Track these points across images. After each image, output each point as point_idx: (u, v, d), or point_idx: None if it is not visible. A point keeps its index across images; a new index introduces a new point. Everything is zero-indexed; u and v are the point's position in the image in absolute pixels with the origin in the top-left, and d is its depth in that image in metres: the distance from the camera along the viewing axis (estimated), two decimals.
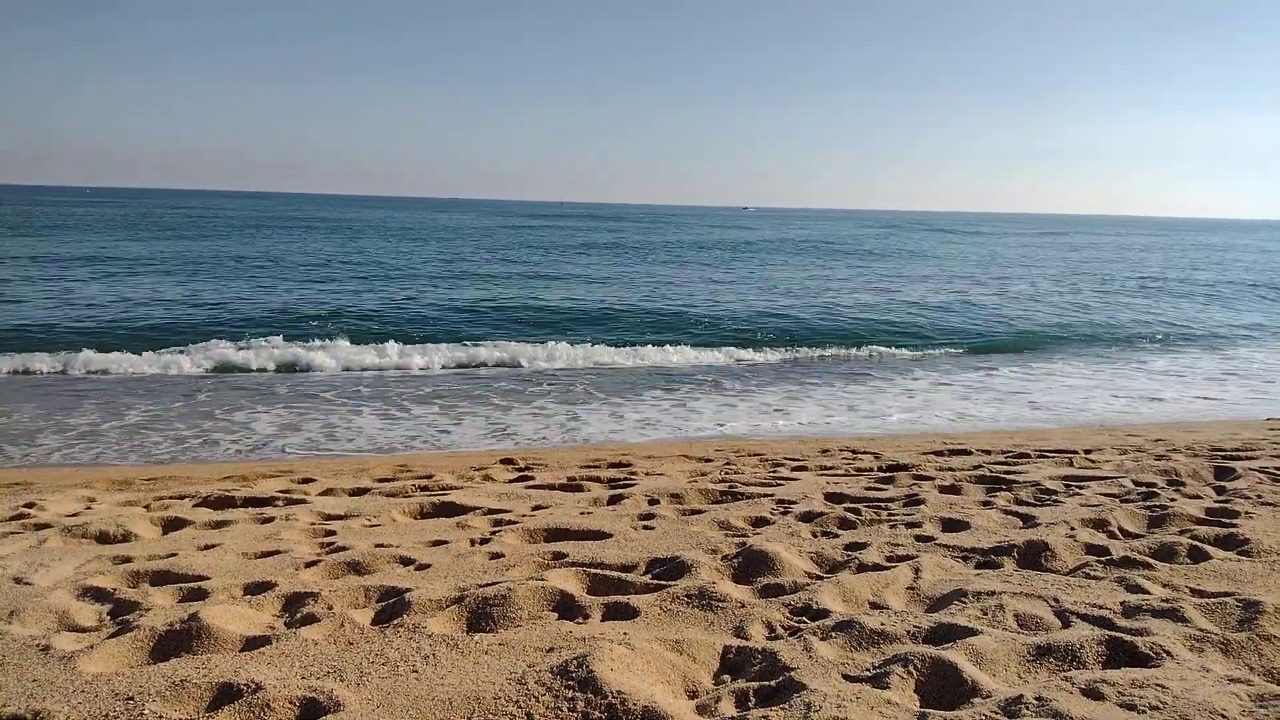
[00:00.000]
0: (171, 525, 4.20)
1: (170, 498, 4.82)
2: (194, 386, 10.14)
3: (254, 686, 2.29)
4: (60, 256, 25.45)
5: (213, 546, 3.76)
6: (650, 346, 13.54)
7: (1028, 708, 2.11)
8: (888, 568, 3.30)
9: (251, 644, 2.64)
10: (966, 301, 21.55)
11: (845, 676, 2.35)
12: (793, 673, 2.34)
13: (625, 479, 5.24)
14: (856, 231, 68.25)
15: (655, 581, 3.19)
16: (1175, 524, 3.95)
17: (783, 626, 2.75)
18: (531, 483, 5.18)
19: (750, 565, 3.33)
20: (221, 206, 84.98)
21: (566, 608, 2.94)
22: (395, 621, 2.78)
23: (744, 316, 17.56)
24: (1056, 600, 2.89)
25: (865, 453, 6.22)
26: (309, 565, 3.44)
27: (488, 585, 3.06)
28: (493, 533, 3.96)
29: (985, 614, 2.77)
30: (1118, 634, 2.55)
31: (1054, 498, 4.51)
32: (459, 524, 4.17)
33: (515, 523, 4.12)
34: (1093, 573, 3.23)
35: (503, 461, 6.01)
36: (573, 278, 25.17)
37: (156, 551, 3.69)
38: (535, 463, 6.00)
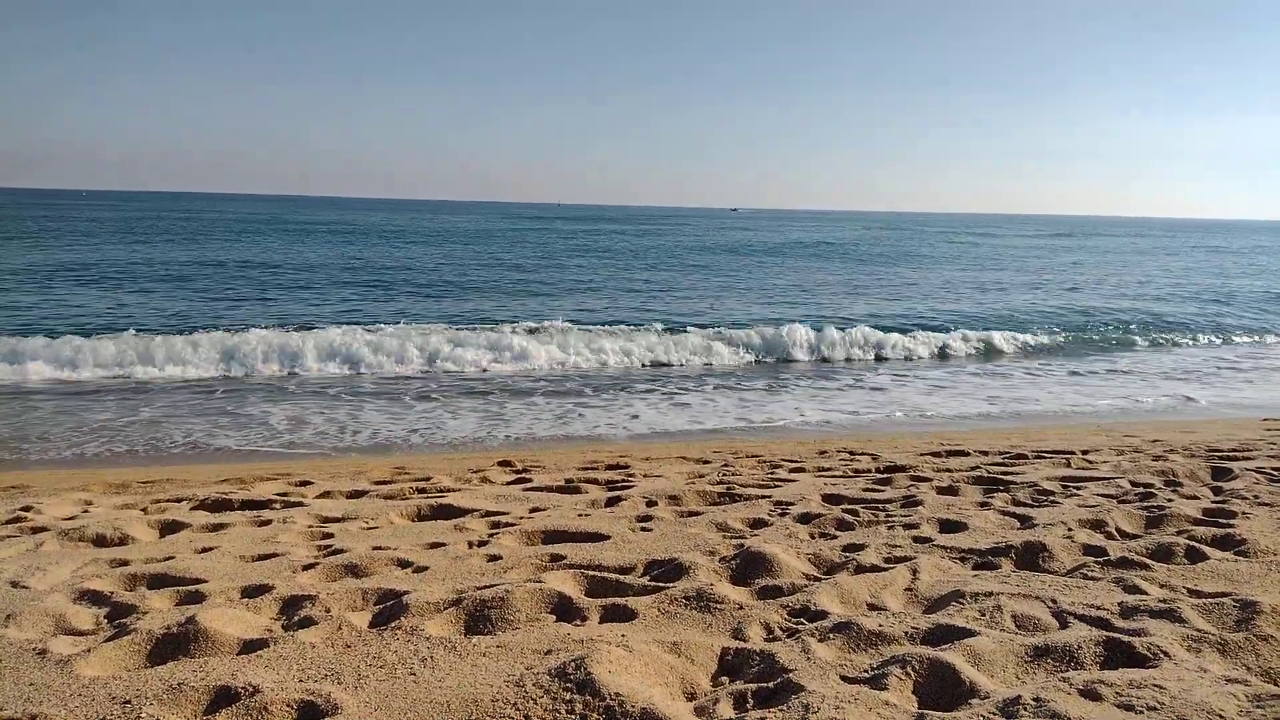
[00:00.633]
0: (169, 528, 4.20)
1: (167, 500, 4.82)
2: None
3: (251, 690, 2.29)
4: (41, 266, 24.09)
5: (210, 549, 3.76)
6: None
7: (1025, 708, 2.11)
8: (885, 569, 3.31)
9: (249, 647, 2.64)
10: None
11: (843, 678, 2.35)
12: (791, 674, 2.34)
13: (623, 481, 5.24)
14: (877, 234, 66.77)
15: (653, 583, 3.19)
16: (1172, 525, 3.95)
17: (781, 628, 2.75)
18: (529, 485, 5.17)
19: (748, 567, 3.33)
20: (223, 210, 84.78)
21: (564, 610, 2.93)
22: (393, 624, 2.78)
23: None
24: (1054, 601, 2.90)
25: (863, 454, 6.23)
26: (306, 568, 3.44)
27: (486, 587, 3.06)
28: (490, 535, 3.96)
29: (983, 615, 2.78)
30: (1115, 634, 2.55)
31: (1051, 498, 4.52)
32: (457, 526, 4.17)
33: (513, 525, 4.12)
34: (1090, 573, 3.23)
35: (500, 463, 6.01)
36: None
37: (154, 554, 3.69)
38: (533, 464, 6.00)
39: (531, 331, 14.20)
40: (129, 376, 10.73)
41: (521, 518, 4.29)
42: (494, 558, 3.56)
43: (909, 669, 2.35)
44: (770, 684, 2.32)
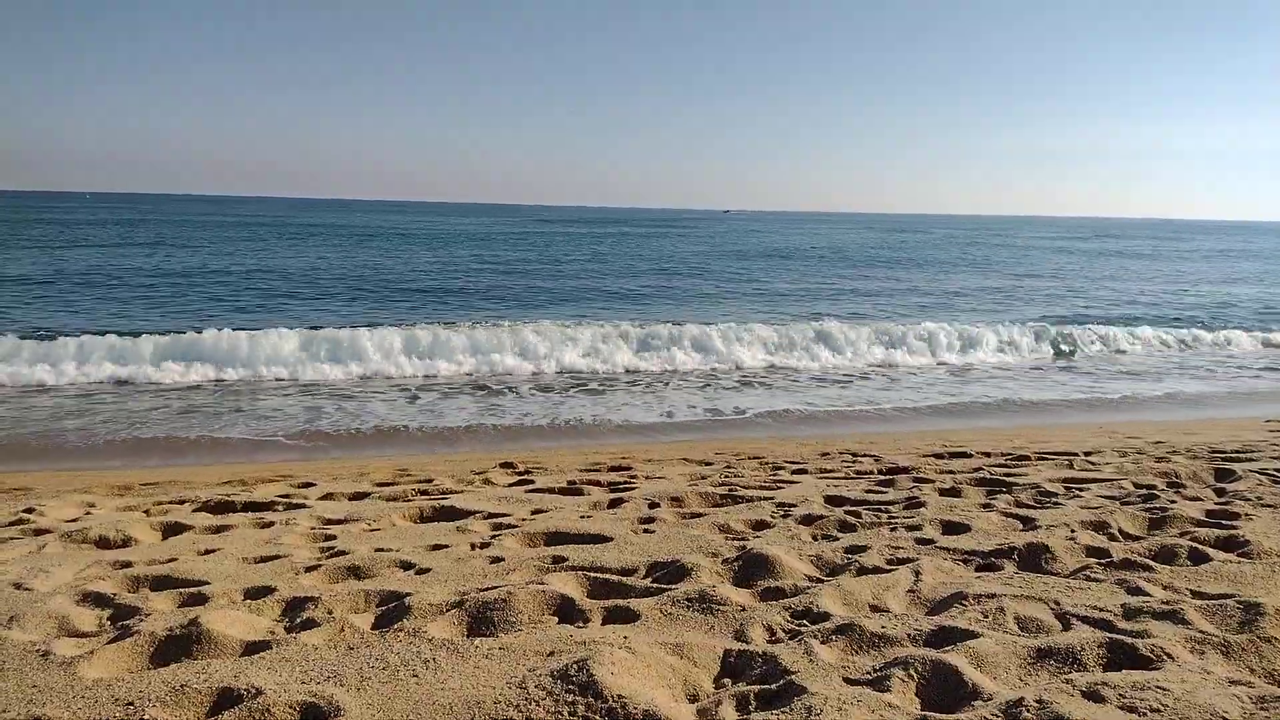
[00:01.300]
0: (171, 530, 4.20)
1: (170, 502, 4.82)
2: None
3: (254, 691, 2.29)
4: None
5: (212, 551, 3.76)
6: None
7: (1028, 710, 2.10)
8: (888, 571, 3.30)
9: (251, 649, 2.64)
10: None
11: (846, 679, 2.35)
12: (793, 676, 2.34)
13: (625, 482, 5.24)
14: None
15: (655, 585, 3.19)
16: (1175, 526, 3.95)
17: (783, 630, 2.75)
18: (531, 486, 5.17)
19: (750, 568, 3.33)
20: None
21: (567, 611, 2.93)
22: (395, 626, 2.78)
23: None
24: (1057, 603, 2.89)
25: (865, 455, 6.22)
26: (309, 570, 3.44)
27: (488, 589, 3.06)
28: (493, 536, 3.96)
29: (986, 616, 2.77)
30: (1118, 636, 2.54)
31: (1054, 500, 4.51)
32: (459, 528, 4.17)
33: (515, 526, 4.12)
34: (1093, 575, 3.22)
35: (502, 465, 6.01)
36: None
37: (156, 556, 3.69)
38: (535, 466, 6.00)
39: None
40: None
41: (524, 519, 4.29)
42: (496, 559, 3.56)
43: (911, 671, 2.35)
44: (773, 686, 2.32)
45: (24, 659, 2.56)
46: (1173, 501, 4.42)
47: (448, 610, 2.89)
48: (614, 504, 4.66)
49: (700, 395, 10.26)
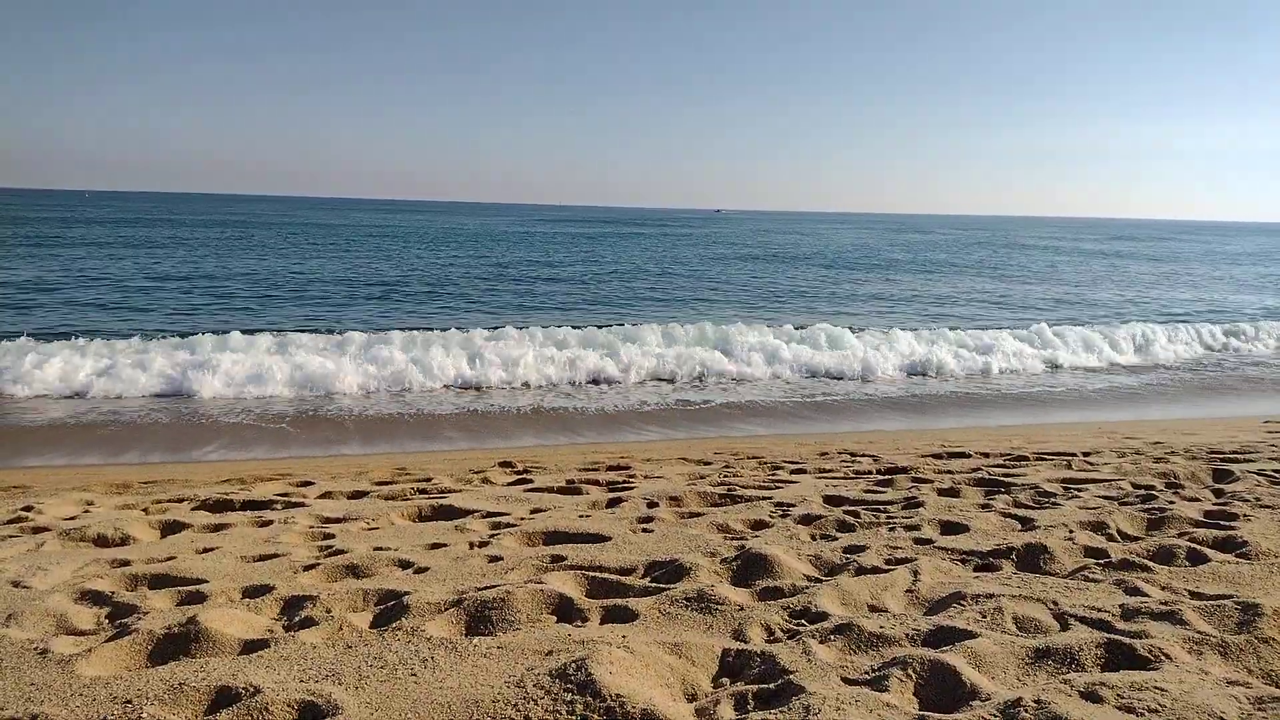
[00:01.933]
0: (170, 528, 4.20)
1: (168, 501, 4.82)
2: None
3: (252, 690, 2.29)
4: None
5: (211, 550, 3.76)
6: None
7: (1027, 710, 2.10)
8: (886, 570, 3.30)
9: (250, 647, 2.64)
10: None
11: (844, 679, 2.35)
12: (792, 675, 2.34)
13: (624, 482, 5.24)
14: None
15: (654, 584, 3.19)
16: (1174, 527, 3.95)
17: (782, 629, 2.75)
18: (530, 485, 5.17)
19: (749, 568, 3.33)
20: (227, 212, 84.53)
21: (565, 611, 2.93)
22: (394, 625, 2.78)
23: None
24: (1055, 603, 2.89)
25: (864, 455, 6.22)
26: (307, 568, 3.44)
27: (486, 588, 3.06)
28: (491, 536, 3.96)
29: (984, 617, 2.77)
30: (1116, 636, 2.55)
31: (1052, 500, 4.52)
32: (457, 527, 4.17)
33: (514, 526, 4.12)
34: (1091, 575, 3.23)
35: (501, 464, 6.01)
36: None
37: (155, 555, 3.69)
38: (534, 465, 6.00)
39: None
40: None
41: (522, 518, 4.29)
42: (495, 559, 3.56)
43: (910, 671, 2.35)
44: (771, 685, 2.32)
45: (22, 657, 2.56)
46: (1171, 502, 4.43)
47: (446, 609, 2.89)
48: (613, 503, 4.66)
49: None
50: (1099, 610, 2.81)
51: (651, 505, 4.55)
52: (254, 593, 3.13)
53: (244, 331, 12.45)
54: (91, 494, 5.07)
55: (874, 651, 2.54)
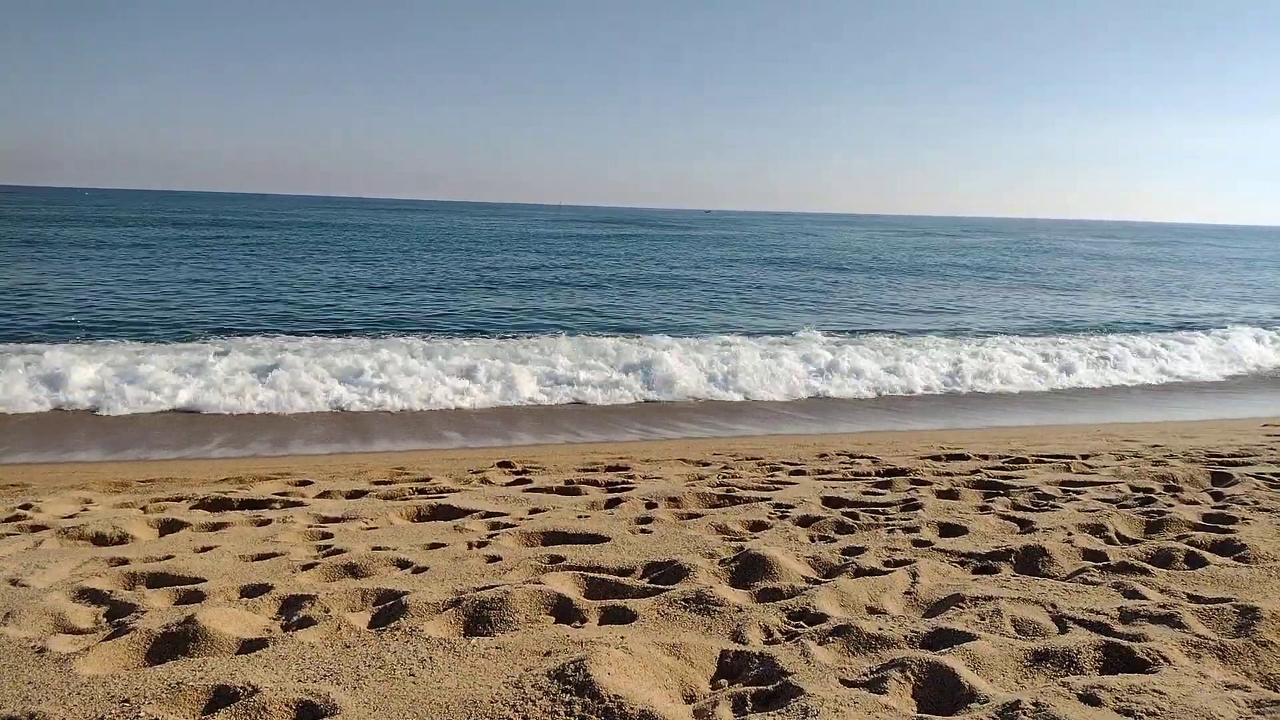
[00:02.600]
0: (168, 527, 4.20)
1: (167, 500, 4.81)
2: None
3: (250, 689, 2.29)
4: None
5: (209, 549, 3.75)
6: None
7: (1025, 713, 2.10)
8: (885, 572, 3.30)
9: (248, 647, 2.63)
10: None
11: (843, 681, 2.35)
12: (790, 677, 2.34)
13: (623, 482, 5.24)
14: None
15: (653, 585, 3.19)
16: (1172, 530, 3.95)
17: (780, 631, 2.75)
18: (529, 486, 5.17)
19: (748, 569, 3.33)
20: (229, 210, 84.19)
21: (564, 611, 2.93)
22: (392, 624, 2.77)
23: None
24: (1054, 606, 2.89)
25: (863, 457, 6.22)
26: (306, 568, 3.43)
27: (485, 588, 3.06)
28: (490, 536, 3.96)
29: (983, 619, 2.77)
30: (1115, 639, 2.55)
31: (1051, 503, 4.52)
32: (456, 527, 4.17)
33: (513, 526, 4.12)
34: (1090, 578, 3.23)
35: (500, 464, 6.01)
36: None
37: (153, 553, 3.69)
38: (533, 465, 5.99)
39: None
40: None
41: (521, 519, 4.29)
42: (493, 559, 3.56)
43: (908, 673, 2.35)
44: (769, 687, 2.32)
45: (20, 655, 2.56)
46: (1170, 505, 4.43)
47: (445, 609, 2.89)
48: (611, 504, 4.66)
49: None
50: (1097, 613, 2.81)
51: (650, 506, 4.55)
52: (252, 592, 3.13)
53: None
54: (90, 492, 5.07)
55: (872, 653, 2.54)
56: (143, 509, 4.54)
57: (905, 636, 2.64)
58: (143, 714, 2.20)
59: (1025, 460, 5.95)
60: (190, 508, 4.63)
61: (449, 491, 5.01)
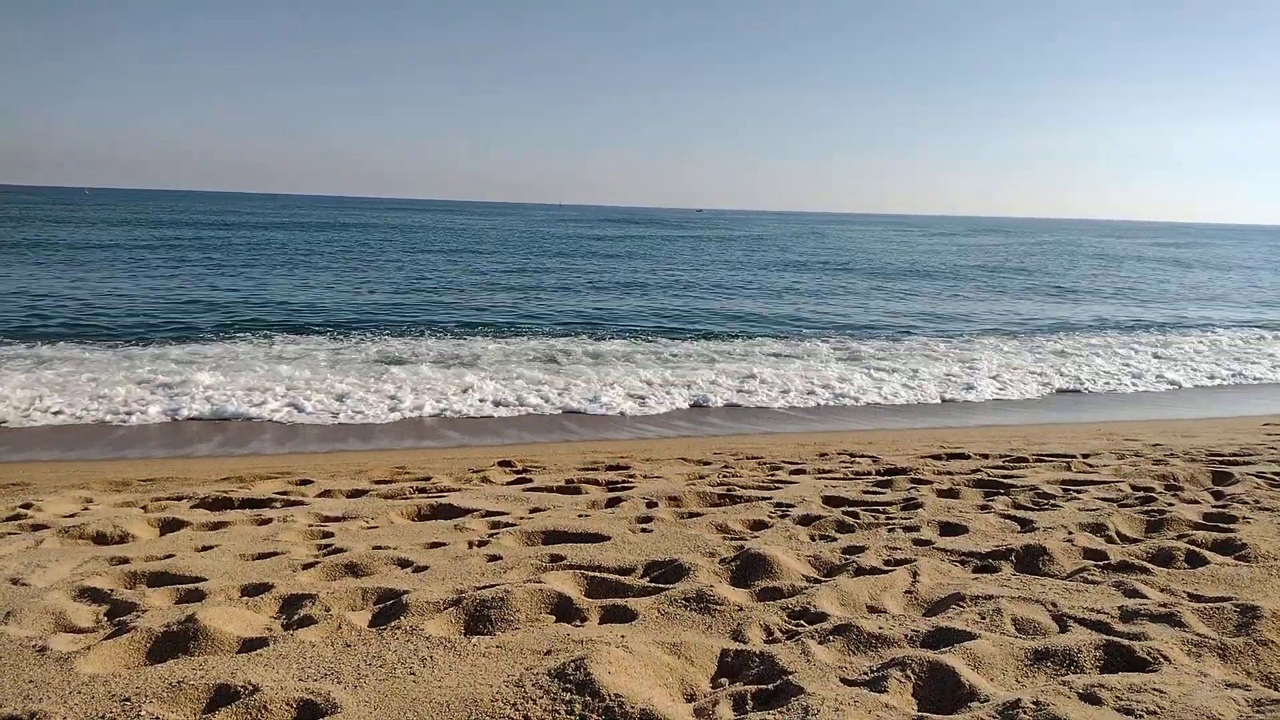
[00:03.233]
0: (169, 526, 4.20)
1: (168, 499, 4.82)
2: None
3: (251, 688, 2.29)
4: None
5: (210, 548, 3.76)
6: None
7: (1025, 712, 2.11)
8: (886, 571, 3.30)
9: (249, 646, 2.64)
10: None
11: (843, 680, 2.35)
12: (790, 676, 2.34)
13: (623, 481, 5.24)
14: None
15: (653, 584, 3.19)
16: (1173, 529, 3.95)
17: (780, 630, 2.75)
18: (529, 485, 5.17)
19: (748, 568, 3.33)
20: (230, 211, 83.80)
21: (564, 610, 2.93)
22: (393, 623, 2.77)
23: None
24: (1054, 605, 2.89)
25: (863, 456, 6.22)
26: (306, 567, 3.43)
27: (485, 587, 3.06)
28: (490, 535, 3.96)
29: (983, 618, 2.77)
30: (1115, 639, 2.55)
31: (1052, 502, 4.52)
32: (457, 526, 4.17)
33: (513, 525, 4.12)
34: (1090, 577, 3.23)
35: (500, 463, 6.01)
36: None
37: (154, 552, 3.69)
38: (533, 465, 6.00)
39: None
40: None
41: (521, 518, 4.29)
42: (494, 558, 3.56)
43: (909, 672, 2.35)
44: (770, 686, 2.32)
45: (20, 654, 2.56)
46: (1170, 504, 4.43)
47: (445, 608, 2.89)
48: (612, 503, 4.66)
49: None
50: (1098, 612, 2.81)
51: (651, 505, 4.55)
52: (253, 591, 3.13)
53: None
54: (91, 491, 5.07)
55: (873, 652, 2.54)
56: (143, 508, 4.55)
57: (906, 635, 2.64)
58: (143, 713, 2.20)
59: (1026, 459, 5.95)
60: (191, 507, 4.63)
61: (449, 491, 5.01)
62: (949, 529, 4.00)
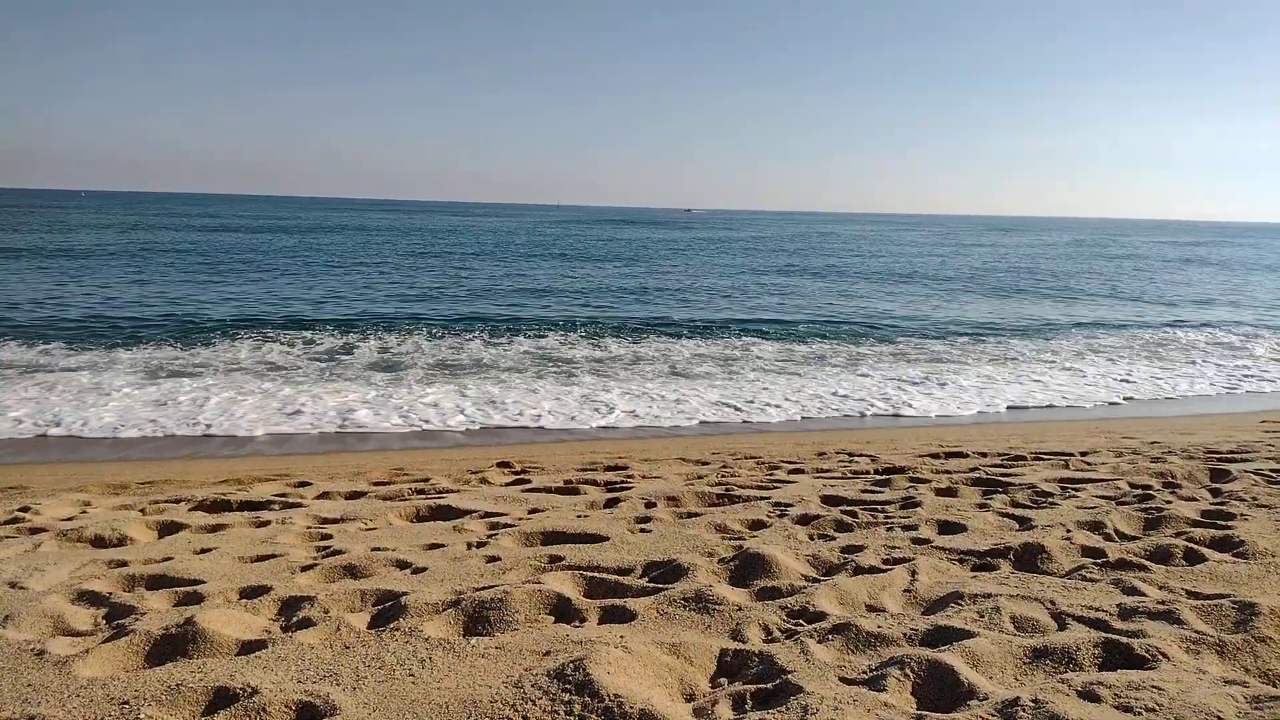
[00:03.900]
0: (167, 529, 4.19)
1: (166, 501, 4.81)
2: None
3: (250, 691, 2.29)
4: None
5: (208, 550, 3.75)
6: None
7: (1024, 710, 2.11)
8: (884, 570, 3.31)
9: (247, 648, 2.63)
10: None
11: (842, 679, 2.35)
12: (789, 675, 2.34)
13: (622, 482, 5.24)
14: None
15: (652, 584, 3.19)
16: (1171, 526, 3.96)
17: (779, 629, 2.75)
18: (528, 486, 5.17)
19: (747, 568, 3.33)
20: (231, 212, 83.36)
21: (563, 611, 2.93)
22: (392, 625, 2.77)
23: None
24: (1053, 603, 2.90)
25: (861, 455, 6.23)
26: (305, 569, 3.43)
27: (484, 588, 3.06)
28: (489, 536, 3.96)
29: (982, 616, 2.78)
30: (1114, 636, 2.55)
31: (1050, 500, 4.52)
32: (455, 527, 4.17)
33: (512, 526, 4.12)
34: (1089, 575, 3.23)
35: (499, 464, 6.01)
36: None
37: (152, 555, 3.68)
38: (532, 465, 5.99)
39: None
40: None
41: (520, 519, 4.29)
42: (493, 559, 3.56)
43: (908, 670, 2.35)
44: (769, 685, 2.32)
45: (19, 658, 2.56)
46: (1168, 502, 4.43)
47: (444, 609, 2.89)
48: (611, 503, 4.66)
49: None
50: (1096, 610, 2.82)
51: (649, 505, 4.55)
52: (251, 593, 3.13)
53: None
54: (89, 494, 5.06)
55: (872, 651, 2.54)
56: (141, 511, 4.54)
57: (904, 634, 2.64)
58: (142, 716, 2.20)
59: (1024, 457, 5.95)
60: (189, 509, 4.62)
61: (448, 492, 5.01)
62: (947, 527, 4.00)
